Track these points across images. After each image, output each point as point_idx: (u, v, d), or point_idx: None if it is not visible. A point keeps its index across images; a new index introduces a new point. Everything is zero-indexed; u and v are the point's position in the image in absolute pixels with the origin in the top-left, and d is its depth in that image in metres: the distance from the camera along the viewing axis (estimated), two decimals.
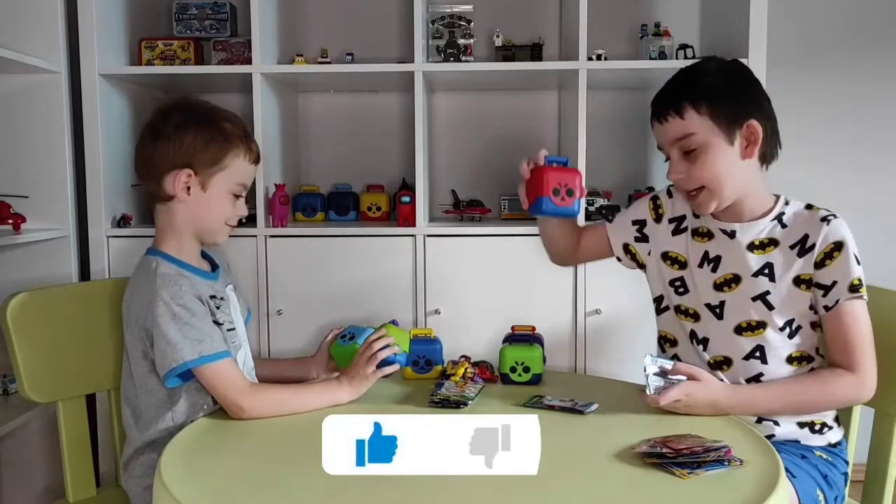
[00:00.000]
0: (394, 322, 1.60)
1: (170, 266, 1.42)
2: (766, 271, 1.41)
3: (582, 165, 2.15)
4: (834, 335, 1.37)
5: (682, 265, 1.52)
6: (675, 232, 1.54)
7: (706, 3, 2.49)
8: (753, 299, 1.41)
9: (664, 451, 1.14)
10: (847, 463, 1.46)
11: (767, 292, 1.40)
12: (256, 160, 1.53)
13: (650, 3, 2.52)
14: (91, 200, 2.17)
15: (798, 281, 1.39)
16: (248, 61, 2.18)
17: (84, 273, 2.21)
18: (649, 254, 1.57)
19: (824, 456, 1.41)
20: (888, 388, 1.44)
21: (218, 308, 1.45)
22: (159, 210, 1.48)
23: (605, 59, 2.21)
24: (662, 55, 2.27)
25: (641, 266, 1.60)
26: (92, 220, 2.18)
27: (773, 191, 1.48)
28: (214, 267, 1.55)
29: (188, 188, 1.44)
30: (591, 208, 2.29)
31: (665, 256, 1.54)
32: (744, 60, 2.11)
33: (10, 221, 2.02)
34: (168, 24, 2.37)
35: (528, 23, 2.51)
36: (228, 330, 1.46)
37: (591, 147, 2.17)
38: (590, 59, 2.15)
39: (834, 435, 1.44)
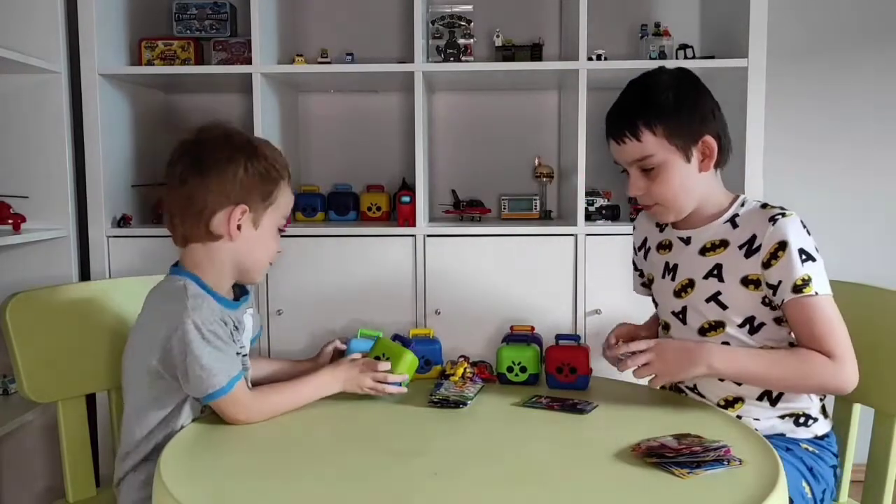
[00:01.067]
0: (405, 341, 1.56)
1: (198, 289, 1.36)
2: (716, 272, 1.43)
3: (582, 165, 2.15)
4: (798, 329, 1.37)
5: (653, 282, 1.58)
6: (644, 255, 1.61)
7: (706, 3, 2.49)
8: (707, 301, 1.43)
9: (664, 450, 1.14)
10: (836, 456, 1.46)
11: (718, 293, 1.42)
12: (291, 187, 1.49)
13: (650, 3, 2.52)
14: (91, 200, 2.17)
15: (746, 281, 1.39)
16: (248, 61, 2.18)
17: (84, 273, 2.21)
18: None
19: (810, 448, 1.42)
20: (888, 388, 1.45)
21: (231, 335, 1.42)
22: (195, 249, 1.40)
23: (605, 59, 2.22)
24: (662, 55, 2.27)
25: None
26: (92, 220, 2.18)
27: (743, 186, 1.49)
28: (238, 295, 1.48)
29: (239, 226, 1.38)
30: (591, 208, 2.29)
31: (648, 281, 1.61)
32: (743, 60, 2.11)
33: (10, 221, 2.02)
34: (168, 24, 2.37)
35: (528, 23, 2.51)
36: (240, 356, 1.44)
37: (591, 147, 2.17)
38: (590, 59, 2.15)
39: (820, 427, 1.44)
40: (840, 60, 2.54)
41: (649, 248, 1.59)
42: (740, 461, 1.14)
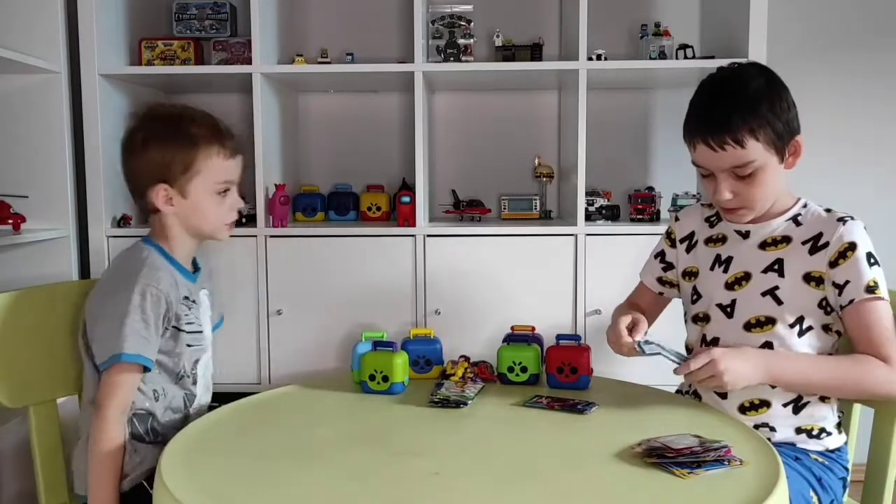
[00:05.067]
0: (386, 345, 1.54)
1: (159, 258, 1.47)
2: (776, 267, 1.42)
3: (582, 165, 2.15)
4: (857, 333, 1.36)
5: (695, 275, 1.55)
6: (688, 249, 1.58)
7: (706, 3, 2.49)
8: (763, 294, 1.42)
9: (664, 450, 1.14)
10: (847, 470, 1.45)
11: (776, 287, 1.41)
12: (233, 154, 1.52)
13: (650, 3, 2.52)
14: (91, 200, 2.17)
15: (808, 277, 1.39)
16: (248, 61, 2.18)
17: (84, 273, 2.21)
18: (678, 276, 1.61)
19: (820, 459, 1.41)
20: None
21: (190, 309, 1.49)
22: (153, 219, 1.53)
23: (605, 59, 2.21)
24: (662, 55, 2.27)
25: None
26: (92, 220, 2.18)
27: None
28: (196, 269, 1.57)
29: (169, 199, 1.47)
30: (591, 208, 2.29)
31: (684, 274, 1.58)
32: (743, 61, 2.10)
33: (10, 221, 2.02)
34: (168, 24, 2.37)
35: (528, 23, 2.51)
36: (194, 332, 1.50)
37: (591, 147, 2.17)
38: (590, 59, 2.15)
39: (833, 441, 1.44)
40: (840, 60, 2.53)
41: (696, 242, 1.57)
42: (741, 461, 1.14)
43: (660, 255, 1.65)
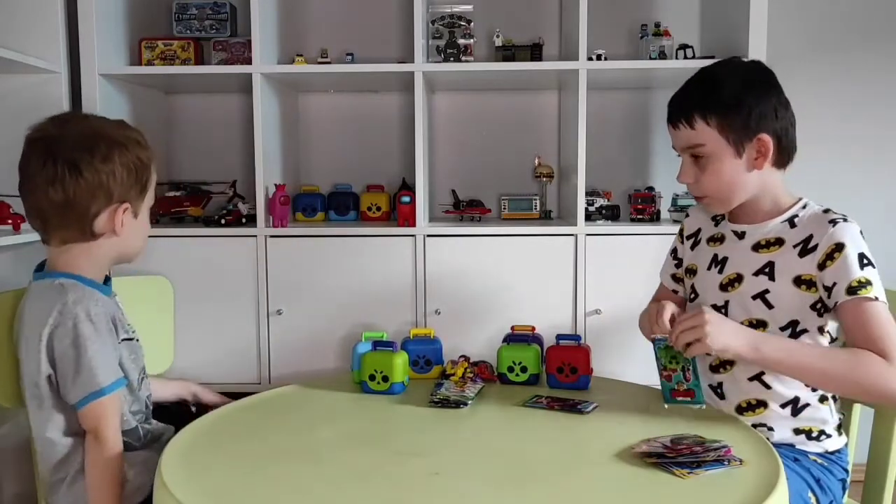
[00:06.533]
0: (385, 344, 1.54)
1: (77, 283, 1.34)
2: (767, 270, 1.41)
3: (582, 165, 2.15)
4: (852, 334, 1.35)
5: (695, 273, 1.55)
6: (693, 246, 1.60)
7: (706, 3, 2.49)
8: (753, 298, 1.42)
9: (664, 450, 1.14)
10: (847, 471, 1.45)
11: (766, 291, 1.41)
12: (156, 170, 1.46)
13: (650, 3, 2.52)
14: None
15: (799, 281, 1.38)
16: (248, 61, 2.17)
17: None
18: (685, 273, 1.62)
19: (819, 461, 1.41)
20: None
21: (121, 319, 1.42)
22: (73, 247, 1.36)
23: (605, 59, 2.22)
24: (662, 55, 2.27)
25: None
26: None
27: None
28: (106, 279, 1.46)
29: (122, 221, 1.37)
30: (592, 208, 2.29)
31: (687, 270, 1.59)
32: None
33: (10, 221, 2.01)
34: (168, 24, 2.37)
35: (528, 23, 2.51)
36: (136, 339, 1.44)
37: (591, 147, 2.17)
38: (590, 59, 2.15)
39: (832, 443, 1.43)
40: (840, 60, 2.53)
41: (700, 240, 1.58)
42: (740, 461, 1.14)
43: (673, 252, 1.66)
